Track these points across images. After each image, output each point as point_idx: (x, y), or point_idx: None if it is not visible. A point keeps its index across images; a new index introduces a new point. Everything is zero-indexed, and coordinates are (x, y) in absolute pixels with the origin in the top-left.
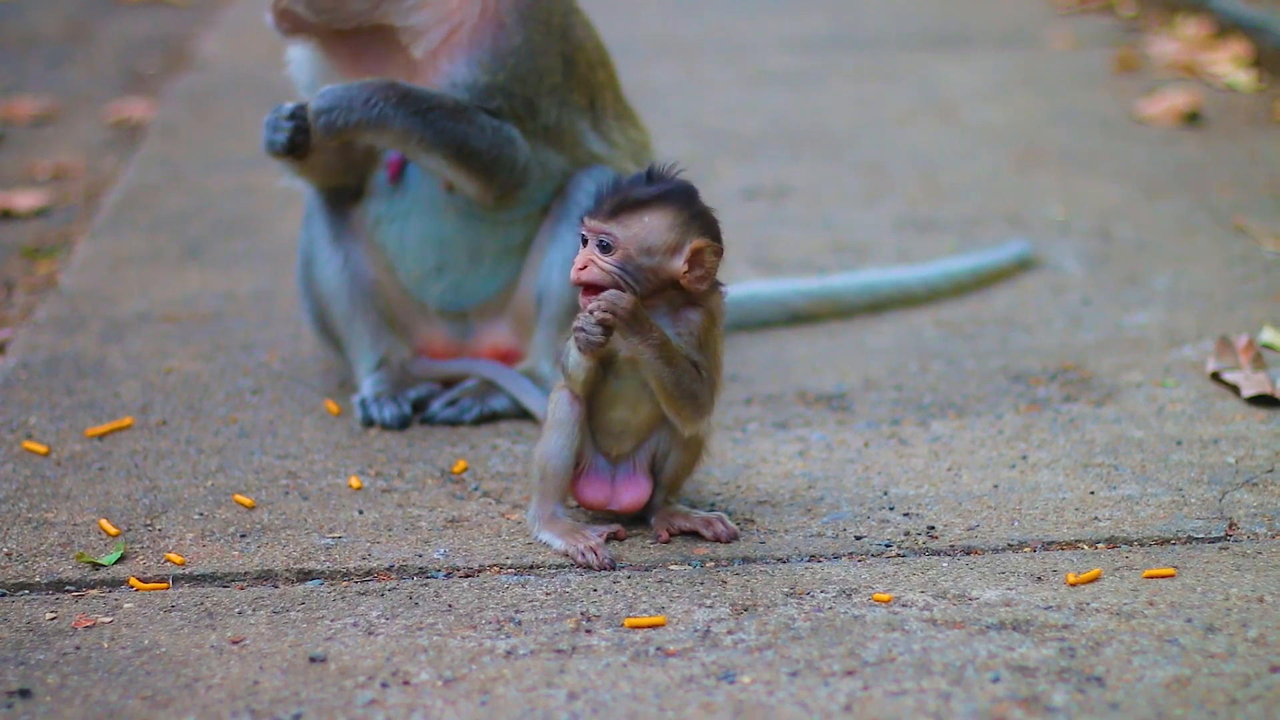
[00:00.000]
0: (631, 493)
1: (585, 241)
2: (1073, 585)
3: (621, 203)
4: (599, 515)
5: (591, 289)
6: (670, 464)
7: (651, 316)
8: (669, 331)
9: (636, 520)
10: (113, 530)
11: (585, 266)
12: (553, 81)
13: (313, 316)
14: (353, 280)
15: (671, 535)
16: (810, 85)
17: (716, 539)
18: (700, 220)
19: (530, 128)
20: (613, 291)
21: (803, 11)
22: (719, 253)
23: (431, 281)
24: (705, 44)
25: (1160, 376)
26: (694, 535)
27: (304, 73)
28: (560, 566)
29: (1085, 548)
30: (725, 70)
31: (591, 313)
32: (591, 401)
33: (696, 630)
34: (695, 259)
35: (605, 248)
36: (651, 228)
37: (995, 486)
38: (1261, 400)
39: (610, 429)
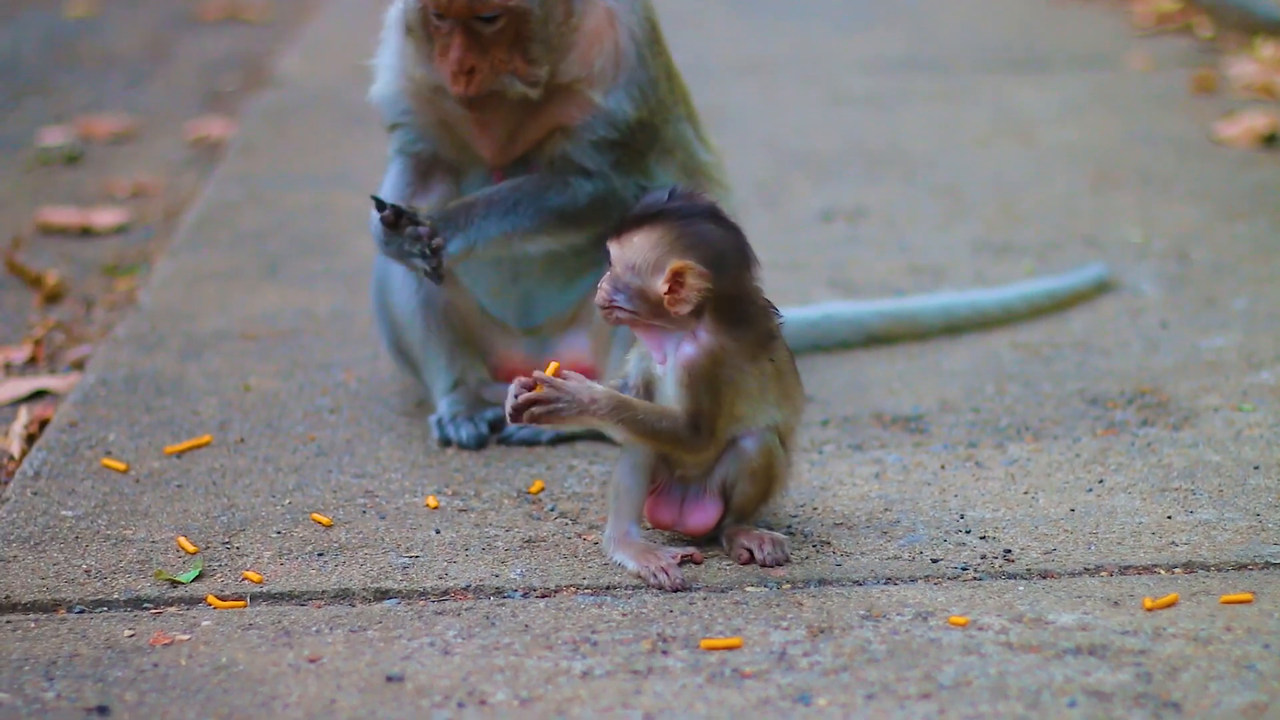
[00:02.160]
0: (697, 516)
1: None
2: (1149, 610)
3: (626, 220)
4: (675, 537)
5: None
6: (737, 493)
7: (662, 337)
8: (673, 363)
9: (710, 540)
10: (191, 548)
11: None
12: (666, 98)
13: (389, 339)
14: (427, 302)
15: (749, 555)
16: (888, 107)
17: (762, 563)
18: (688, 241)
19: (651, 151)
20: (511, 391)
21: (880, 33)
22: (704, 277)
23: (507, 298)
24: (783, 64)
25: (1238, 400)
26: None
27: (394, 106)
28: (636, 587)
29: (1162, 572)
30: (803, 91)
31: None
32: None
33: (772, 652)
34: (676, 280)
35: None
36: (637, 246)
37: (1072, 510)
38: None
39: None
